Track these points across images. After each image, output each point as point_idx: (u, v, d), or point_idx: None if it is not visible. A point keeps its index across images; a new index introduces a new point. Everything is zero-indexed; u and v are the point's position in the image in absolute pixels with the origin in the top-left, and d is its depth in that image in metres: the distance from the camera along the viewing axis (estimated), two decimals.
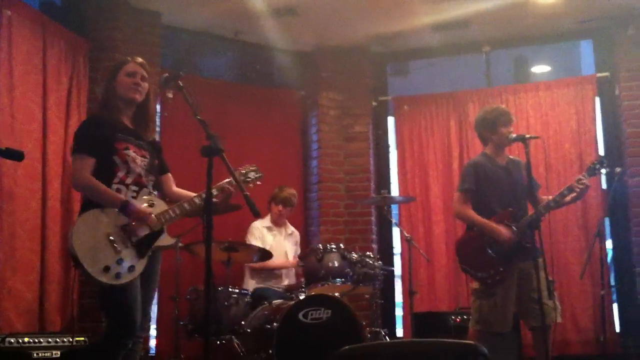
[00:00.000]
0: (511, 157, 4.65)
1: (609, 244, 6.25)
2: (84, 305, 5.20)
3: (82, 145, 3.38)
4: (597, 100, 6.42)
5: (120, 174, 3.37)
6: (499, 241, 4.27)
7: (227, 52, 7.32)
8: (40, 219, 4.89)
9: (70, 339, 4.07)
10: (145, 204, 3.38)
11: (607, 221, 6.20)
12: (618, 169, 5.30)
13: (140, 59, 3.58)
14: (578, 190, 4.24)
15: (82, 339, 4.15)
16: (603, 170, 4.43)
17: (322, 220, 6.69)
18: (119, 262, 3.20)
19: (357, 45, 6.90)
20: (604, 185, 6.18)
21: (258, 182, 3.74)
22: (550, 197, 4.35)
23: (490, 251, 4.31)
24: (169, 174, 3.69)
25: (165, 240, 3.43)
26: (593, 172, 4.35)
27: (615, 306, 6.17)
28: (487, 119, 4.54)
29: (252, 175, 3.72)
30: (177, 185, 3.71)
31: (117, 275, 3.18)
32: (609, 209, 5.98)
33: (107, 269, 3.16)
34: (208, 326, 3.00)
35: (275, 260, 5.57)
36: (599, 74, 6.45)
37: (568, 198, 4.32)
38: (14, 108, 4.70)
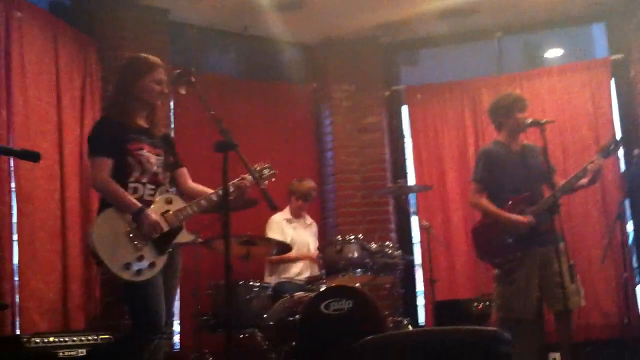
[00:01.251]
0: (526, 142, 4.62)
1: (629, 226, 6.19)
2: (107, 303, 5.22)
3: (96, 148, 3.38)
4: (612, 82, 6.35)
5: (136, 174, 3.36)
6: (515, 229, 4.26)
7: (235, 47, 7.30)
8: (60, 219, 4.90)
9: (95, 337, 4.05)
10: (163, 202, 3.39)
11: (627, 203, 6.14)
12: (636, 151, 5.25)
13: (163, 64, 3.54)
14: (592, 172, 4.22)
15: (107, 336, 4.13)
16: (618, 151, 4.39)
17: (339, 212, 6.68)
18: (140, 258, 3.22)
19: (366, 35, 6.85)
20: (622, 168, 6.12)
21: (272, 179, 3.74)
22: (565, 181, 4.33)
23: (507, 236, 4.30)
24: (184, 169, 3.67)
25: (184, 237, 3.45)
26: (607, 153, 4.32)
27: (638, 288, 6.11)
28: (502, 104, 4.54)
29: (266, 172, 3.72)
30: None
31: (138, 272, 3.20)
32: (629, 191, 5.91)
33: (128, 265, 3.18)
34: (230, 320, 3.01)
35: (293, 252, 5.53)
36: (613, 57, 6.38)
37: (584, 181, 4.29)
38: (29, 109, 4.69)
